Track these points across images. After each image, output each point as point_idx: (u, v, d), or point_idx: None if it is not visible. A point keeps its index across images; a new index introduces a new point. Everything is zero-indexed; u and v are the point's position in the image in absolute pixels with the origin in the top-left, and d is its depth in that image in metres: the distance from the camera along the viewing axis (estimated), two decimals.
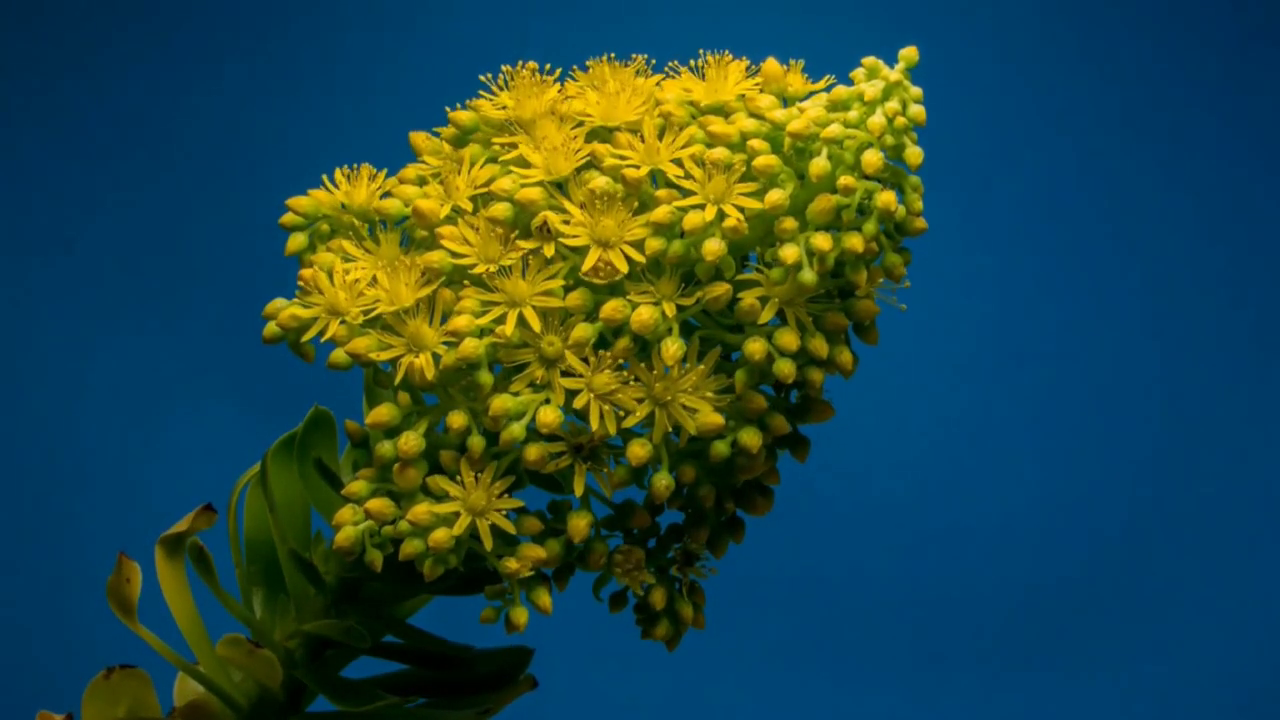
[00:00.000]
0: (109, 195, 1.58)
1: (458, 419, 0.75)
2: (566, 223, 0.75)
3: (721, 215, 0.74)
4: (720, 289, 0.75)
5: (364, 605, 0.83)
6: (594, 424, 0.74)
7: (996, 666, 1.58)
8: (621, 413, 0.74)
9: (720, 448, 0.75)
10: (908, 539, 1.60)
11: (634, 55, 0.81)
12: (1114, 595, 1.59)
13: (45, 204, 1.57)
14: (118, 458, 1.54)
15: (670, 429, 0.75)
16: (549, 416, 0.74)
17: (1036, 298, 1.64)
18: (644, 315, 0.74)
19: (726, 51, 0.80)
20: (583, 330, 0.74)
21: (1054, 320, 1.64)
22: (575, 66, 0.82)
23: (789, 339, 0.75)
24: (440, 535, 0.74)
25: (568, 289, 0.75)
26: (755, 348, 0.74)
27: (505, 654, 0.86)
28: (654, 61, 0.81)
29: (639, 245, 0.74)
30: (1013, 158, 1.64)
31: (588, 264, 0.74)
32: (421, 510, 0.75)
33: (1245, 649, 1.58)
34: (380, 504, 0.75)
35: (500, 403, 0.74)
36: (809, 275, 0.74)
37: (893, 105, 0.75)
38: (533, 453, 0.74)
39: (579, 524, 0.76)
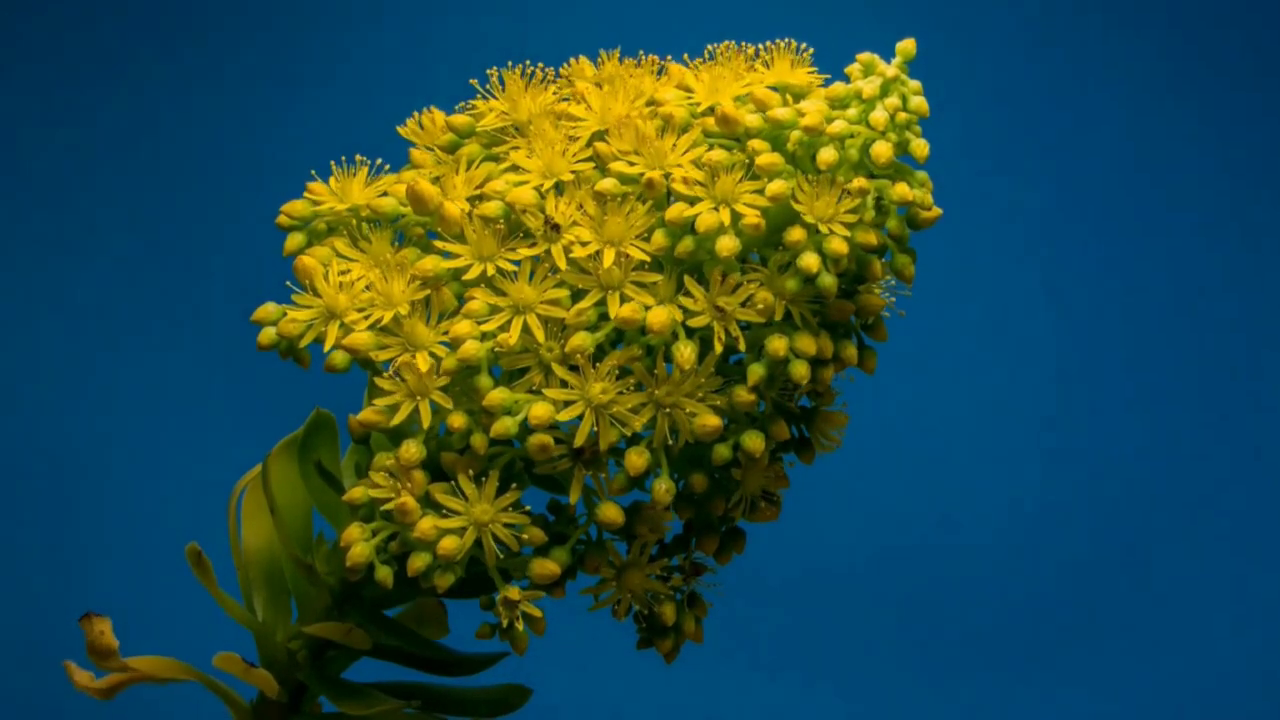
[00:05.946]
0: (109, 197, 1.57)
1: (458, 419, 0.74)
2: (573, 224, 0.74)
3: (736, 215, 0.73)
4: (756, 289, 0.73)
5: (366, 607, 0.82)
6: (580, 438, 0.73)
7: (997, 668, 1.57)
8: (621, 425, 0.73)
9: (723, 451, 0.75)
10: (907, 541, 1.60)
11: (646, 58, 0.80)
12: (1115, 596, 1.59)
13: (45, 205, 1.57)
14: (117, 459, 1.54)
15: (669, 434, 0.74)
16: (542, 410, 0.72)
17: (1038, 298, 1.64)
18: (661, 316, 0.73)
19: (727, 42, 0.79)
20: (580, 338, 0.73)
21: (1055, 320, 1.63)
22: (576, 58, 0.81)
23: (806, 342, 0.74)
24: (449, 543, 0.74)
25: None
26: (778, 345, 0.73)
27: (504, 689, 0.85)
28: (661, 63, 0.80)
29: (647, 239, 0.73)
30: (1014, 156, 1.64)
31: (606, 263, 0.73)
32: (427, 525, 0.74)
33: (1246, 649, 1.58)
34: (410, 500, 0.74)
35: (495, 395, 0.73)
36: (828, 280, 0.73)
37: (892, 101, 0.74)
38: (536, 441, 0.73)
39: (610, 513, 0.75)
